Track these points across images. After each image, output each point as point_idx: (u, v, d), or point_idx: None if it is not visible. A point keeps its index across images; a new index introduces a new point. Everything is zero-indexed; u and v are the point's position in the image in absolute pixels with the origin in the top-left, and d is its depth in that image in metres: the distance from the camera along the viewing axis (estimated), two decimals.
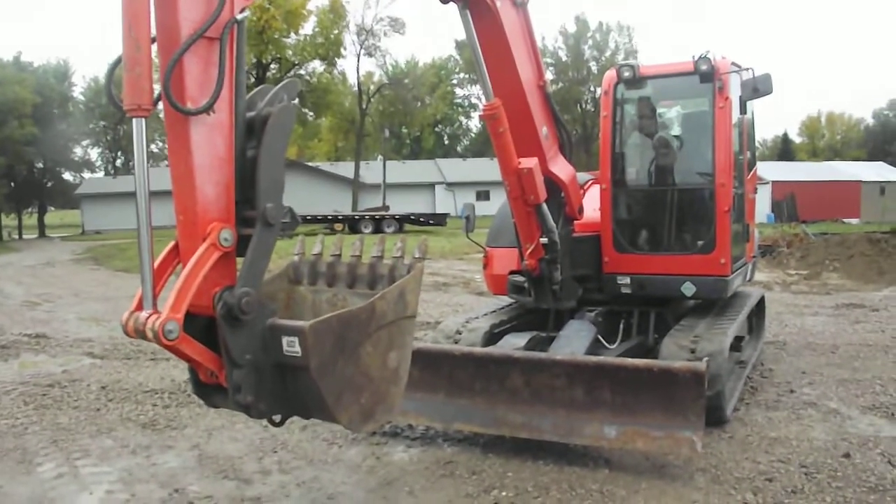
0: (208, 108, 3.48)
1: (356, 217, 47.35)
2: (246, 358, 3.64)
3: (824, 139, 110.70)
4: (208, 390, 3.92)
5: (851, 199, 62.32)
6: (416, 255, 4.26)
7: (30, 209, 74.41)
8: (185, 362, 3.78)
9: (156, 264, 3.58)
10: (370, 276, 4.47)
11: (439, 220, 48.42)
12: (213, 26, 3.50)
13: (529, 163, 6.89)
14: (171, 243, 3.71)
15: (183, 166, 3.54)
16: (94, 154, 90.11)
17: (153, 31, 3.45)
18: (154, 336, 3.36)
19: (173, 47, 3.42)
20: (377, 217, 46.39)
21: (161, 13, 3.45)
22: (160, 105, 3.53)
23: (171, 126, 3.53)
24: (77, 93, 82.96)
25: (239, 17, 3.63)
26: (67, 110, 72.98)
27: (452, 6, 6.26)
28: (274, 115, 3.75)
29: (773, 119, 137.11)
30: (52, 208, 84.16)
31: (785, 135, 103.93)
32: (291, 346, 3.62)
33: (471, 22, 6.32)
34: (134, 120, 3.37)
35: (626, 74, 8.16)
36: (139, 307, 3.49)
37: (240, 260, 3.73)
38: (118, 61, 3.40)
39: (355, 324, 3.77)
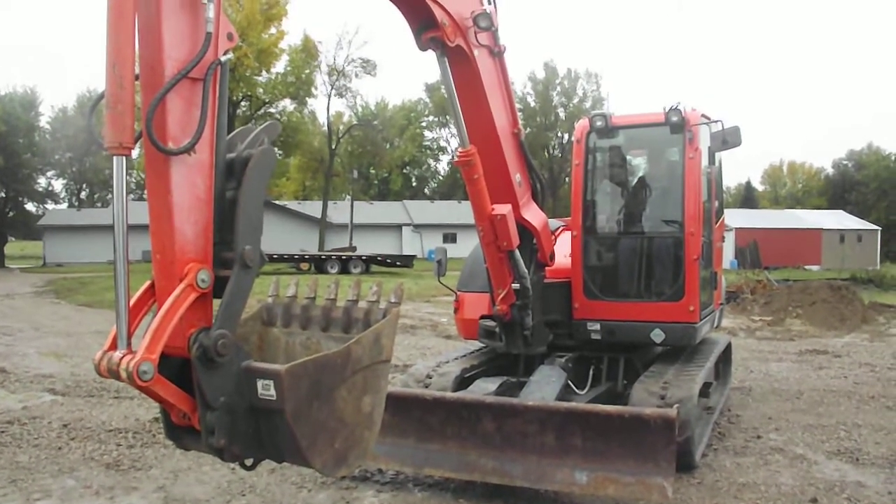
0: (189, 149, 3.46)
1: (323, 257, 47.12)
2: (220, 400, 3.57)
3: (786, 188, 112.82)
4: (180, 432, 3.83)
5: (813, 246, 63.31)
6: (392, 300, 4.20)
7: None
8: (158, 403, 3.71)
9: (131, 303, 3.53)
10: (345, 320, 4.41)
11: (406, 261, 48.30)
12: (196, 67, 3.49)
13: (503, 209, 6.97)
14: (148, 282, 3.64)
15: (162, 206, 3.50)
16: (58, 185, 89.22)
17: (139, 70, 3.44)
18: (128, 377, 3.29)
19: (156, 86, 3.41)
20: (344, 257, 46.21)
21: (145, 52, 3.45)
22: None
23: (152, 165, 3.50)
24: (44, 122, 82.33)
25: (223, 58, 3.63)
26: (33, 140, 72.20)
27: (430, 52, 6.36)
28: (255, 158, 3.73)
29: (736, 167, 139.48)
30: (13, 239, 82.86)
31: (748, 183, 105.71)
32: (266, 389, 3.55)
33: (448, 69, 6.42)
34: (115, 158, 3.33)
35: (599, 124, 8.31)
36: (113, 346, 3.43)
37: (216, 301, 3.68)
38: (100, 98, 3.36)
39: (331, 368, 3.72)
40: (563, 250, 8.41)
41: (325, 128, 69.68)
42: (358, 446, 3.95)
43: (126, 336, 3.42)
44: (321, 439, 3.72)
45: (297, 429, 3.57)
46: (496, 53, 6.84)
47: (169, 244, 3.51)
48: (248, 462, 3.93)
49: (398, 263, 48.02)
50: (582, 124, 8.69)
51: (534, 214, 7.52)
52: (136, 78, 3.44)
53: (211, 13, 3.54)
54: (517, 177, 7.28)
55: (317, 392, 3.65)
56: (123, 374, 3.31)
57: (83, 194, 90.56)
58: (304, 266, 46.07)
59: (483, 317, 8.13)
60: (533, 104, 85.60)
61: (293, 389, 3.53)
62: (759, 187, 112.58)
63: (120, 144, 3.30)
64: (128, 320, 3.43)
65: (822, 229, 66.01)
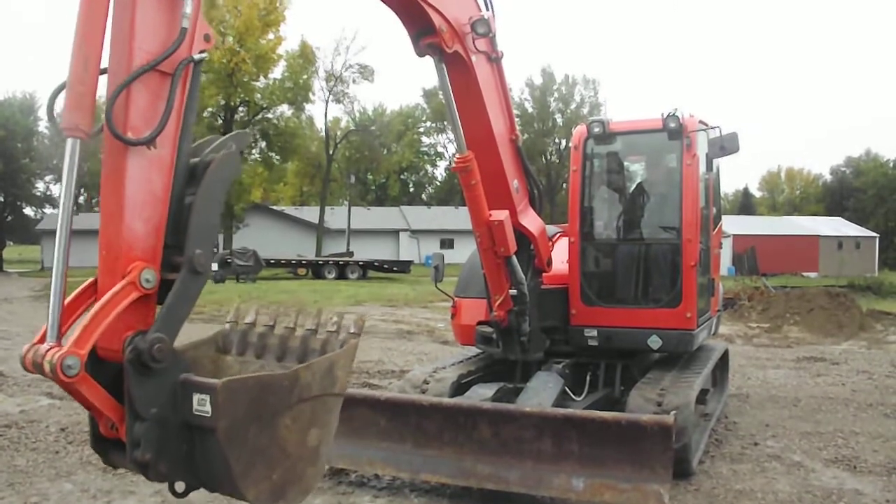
0: (149, 141, 3.32)
1: (320, 262, 47.18)
2: (151, 412, 3.29)
3: (784, 194, 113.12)
4: (107, 445, 3.53)
5: (810, 253, 63.46)
6: (352, 331, 3.97)
7: None
8: (86, 409, 3.39)
9: (70, 298, 3.36)
10: (301, 350, 4.11)
11: (403, 267, 48.39)
12: (167, 61, 3.38)
13: (500, 215, 6.98)
14: (91, 279, 3.44)
15: (114, 199, 3.35)
16: (56, 190, 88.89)
17: (108, 61, 3.35)
18: (51, 370, 3.04)
19: (124, 75, 3.30)
20: (341, 263, 46.26)
21: (116, 39, 3.34)
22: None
23: (109, 155, 3.36)
24: (42, 127, 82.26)
25: (196, 56, 3.51)
26: (32, 145, 72.17)
27: (428, 58, 6.37)
28: (217, 160, 3.57)
29: (734, 173, 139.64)
30: (11, 243, 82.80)
31: (746, 189, 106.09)
32: (202, 404, 3.29)
33: (446, 75, 6.43)
34: (69, 140, 3.20)
35: (597, 130, 8.32)
36: (42, 340, 3.20)
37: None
38: (63, 85, 3.24)
39: (276, 390, 3.46)
40: (560, 256, 8.42)
41: (323, 133, 69.91)
42: (299, 482, 3.68)
43: (57, 328, 3.21)
44: (258, 468, 3.45)
45: (230, 451, 3.31)
46: (494, 59, 6.84)
47: (115, 239, 3.35)
48: (180, 488, 3.65)
49: (395, 269, 48.14)
50: (579, 130, 8.69)
51: (531, 220, 7.53)
52: (104, 72, 3.34)
53: (188, 9, 3.45)
54: (514, 183, 7.28)
55: (257, 414, 3.40)
56: (47, 367, 3.08)
57: (81, 199, 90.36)
58: (302, 271, 46.18)
59: (480, 323, 8.11)
60: (530, 110, 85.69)
61: (229, 406, 3.28)
62: (757, 194, 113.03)
63: (76, 126, 3.18)
64: (61, 312, 3.25)
65: (819, 236, 66.20)
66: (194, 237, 3.47)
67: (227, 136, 3.88)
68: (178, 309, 3.43)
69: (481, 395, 7.35)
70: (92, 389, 3.22)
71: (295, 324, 4.25)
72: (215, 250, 46.11)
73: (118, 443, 3.40)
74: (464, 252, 9.54)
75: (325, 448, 3.79)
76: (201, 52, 3.56)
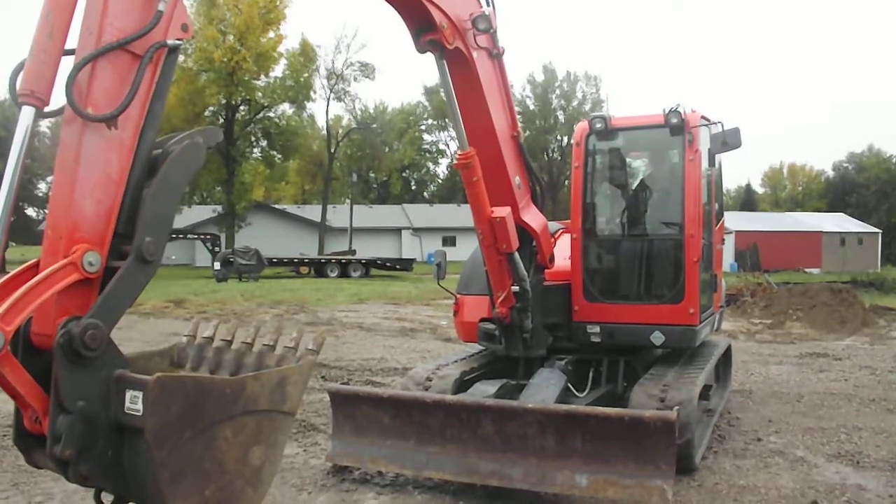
0: (108, 119, 3.21)
1: (322, 261, 47.17)
2: (78, 404, 3.03)
3: (786, 190, 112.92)
4: (30, 441, 3.29)
5: (813, 249, 63.37)
6: (310, 347, 3.88)
7: None
8: (9, 396, 3.15)
9: (8, 277, 3.16)
10: (256, 366, 3.95)
11: (406, 265, 48.38)
12: (138, 42, 3.29)
13: (502, 212, 6.98)
14: (34, 260, 3.28)
15: (66, 176, 3.22)
16: None
17: (78, 39, 3.28)
18: None
19: (91, 50, 3.22)
20: (343, 261, 46.26)
21: (88, 13, 3.27)
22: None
23: (66, 131, 3.26)
24: (44, 126, 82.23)
25: (170, 42, 3.42)
26: (33, 145, 72.02)
27: (429, 55, 6.37)
28: (178, 150, 3.45)
29: (736, 169, 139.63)
30: (14, 244, 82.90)
31: (748, 185, 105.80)
32: (134, 402, 3.04)
33: (447, 72, 6.44)
34: (23, 108, 3.09)
35: (598, 126, 8.29)
36: None
37: None
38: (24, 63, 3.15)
39: (217, 397, 3.24)
40: (562, 253, 8.40)
41: (324, 131, 69.81)
42: (235, 502, 3.41)
43: None
44: (189, 479, 3.20)
45: (158, 455, 3.06)
46: (495, 55, 6.85)
47: (62, 218, 3.20)
48: (107, 501, 3.43)
49: (398, 267, 48.17)
50: (581, 127, 8.67)
51: (533, 217, 7.53)
52: (71, 53, 3.26)
53: None
54: (516, 179, 7.29)
55: (193, 420, 3.16)
56: None
57: None
58: (304, 270, 46.21)
59: (483, 320, 8.13)
60: (532, 107, 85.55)
61: (161, 405, 3.04)
62: (759, 190, 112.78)
63: (32, 93, 3.09)
64: None
65: (822, 232, 66.11)
66: (146, 224, 3.31)
67: (195, 130, 3.75)
68: (119, 296, 3.21)
69: (484, 391, 7.35)
70: (15, 372, 3.02)
71: (253, 339, 4.12)
72: (217, 249, 46.40)
73: (43, 439, 3.15)
74: (466, 249, 9.53)
75: (269, 470, 3.57)
76: (178, 40, 3.48)
